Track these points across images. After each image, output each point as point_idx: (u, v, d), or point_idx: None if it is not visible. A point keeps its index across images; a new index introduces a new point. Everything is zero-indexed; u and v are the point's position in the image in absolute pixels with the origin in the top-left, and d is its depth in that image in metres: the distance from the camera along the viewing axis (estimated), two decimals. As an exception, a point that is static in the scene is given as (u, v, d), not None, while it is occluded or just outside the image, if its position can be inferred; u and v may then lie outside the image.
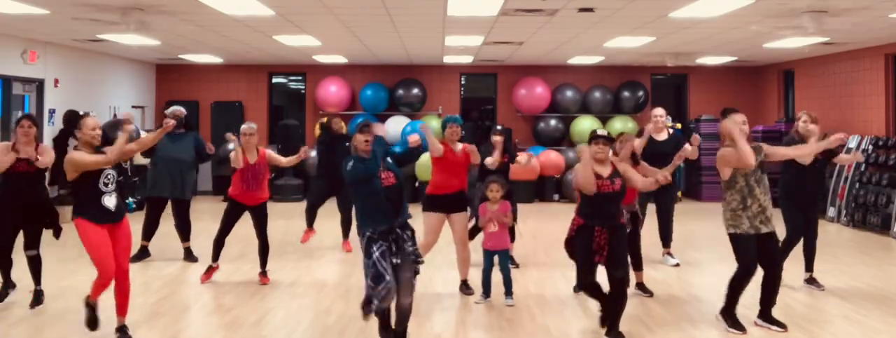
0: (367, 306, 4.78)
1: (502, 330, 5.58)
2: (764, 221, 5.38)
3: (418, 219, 5.89)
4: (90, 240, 5.00)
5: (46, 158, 6.07)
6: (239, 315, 5.98)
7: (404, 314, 4.93)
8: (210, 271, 7.20)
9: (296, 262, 8.19)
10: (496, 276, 6.40)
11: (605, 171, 5.23)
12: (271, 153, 7.24)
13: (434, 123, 14.94)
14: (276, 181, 14.22)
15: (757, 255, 5.42)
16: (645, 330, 5.56)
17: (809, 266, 6.95)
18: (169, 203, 8.21)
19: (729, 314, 5.50)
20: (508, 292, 6.37)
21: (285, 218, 11.67)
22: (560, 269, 7.62)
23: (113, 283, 5.09)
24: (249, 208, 7.04)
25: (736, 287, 5.46)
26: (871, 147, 11.28)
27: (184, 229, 8.21)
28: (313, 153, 10.70)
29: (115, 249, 5.08)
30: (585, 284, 5.27)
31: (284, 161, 7.33)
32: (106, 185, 5.04)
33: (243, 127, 7.07)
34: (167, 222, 8.37)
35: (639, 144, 7.61)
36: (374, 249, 4.74)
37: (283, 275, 7.48)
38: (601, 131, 5.33)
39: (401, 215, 4.88)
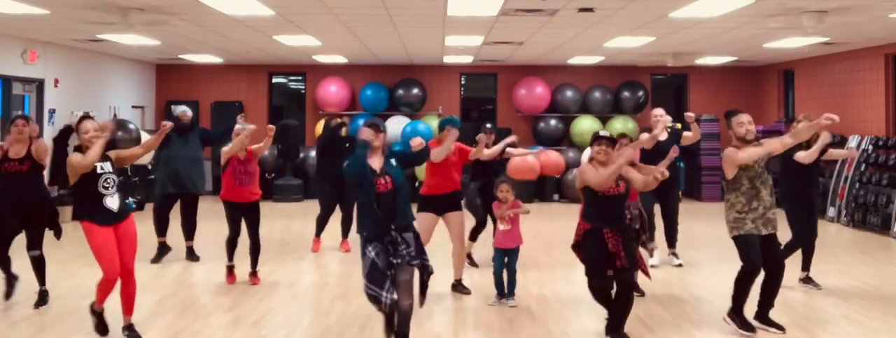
0: (376, 303, 4.75)
1: (502, 331, 5.58)
2: (765, 223, 5.35)
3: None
4: (95, 242, 5.02)
5: (42, 156, 6.06)
6: (239, 315, 5.98)
7: (405, 316, 4.90)
8: (231, 270, 7.19)
9: (296, 262, 8.20)
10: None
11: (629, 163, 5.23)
12: (254, 148, 7.18)
13: (435, 121, 14.96)
14: (276, 181, 14.23)
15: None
16: (645, 330, 5.56)
17: (806, 266, 6.95)
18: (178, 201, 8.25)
19: (737, 314, 5.44)
20: (511, 292, 6.35)
21: (285, 218, 11.68)
22: (560, 269, 7.62)
23: (118, 283, 5.11)
24: (243, 208, 7.03)
25: (742, 286, 5.39)
26: (871, 147, 11.28)
27: (189, 228, 8.23)
28: (311, 153, 10.54)
29: (120, 250, 5.08)
30: (595, 287, 5.17)
31: (255, 147, 7.18)
32: (106, 188, 5.07)
33: (237, 127, 7.12)
34: (170, 223, 8.36)
35: (647, 140, 7.58)
36: (370, 249, 4.76)
37: (283, 275, 7.49)
38: (603, 132, 5.33)
39: (396, 220, 4.82)
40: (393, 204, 4.82)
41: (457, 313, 6.11)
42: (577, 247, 5.31)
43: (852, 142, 11.68)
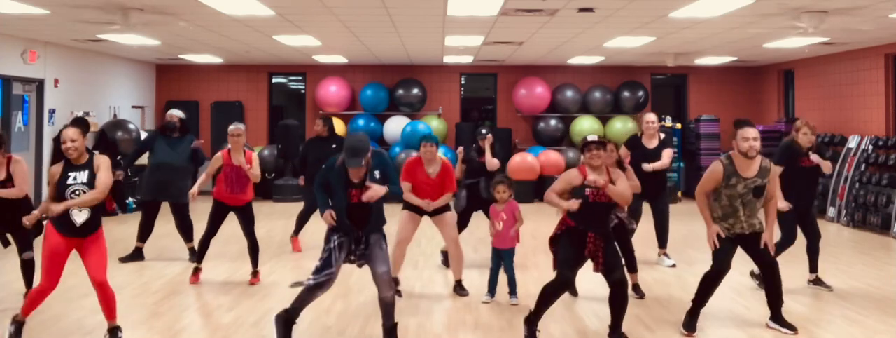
0: (299, 283, 5.01)
1: (502, 331, 5.58)
2: (742, 229, 5.37)
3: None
4: (47, 248, 4.94)
5: (18, 178, 5.78)
6: (239, 315, 5.98)
7: (388, 308, 5.03)
8: (196, 273, 7.19)
9: (295, 262, 8.19)
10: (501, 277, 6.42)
11: (600, 180, 5.11)
12: (256, 160, 7.04)
13: (435, 121, 14.96)
14: (275, 181, 14.22)
15: (750, 256, 5.49)
16: (645, 330, 5.56)
17: (813, 268, 6.96)
18: (165, 206, 8.20)
19: (691, 314, 5.50)
20: (512, 291, 6.39)
21: (285, 218, 11.67)
22: (560, 269, 7.61)
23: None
24: (234, 209, 7.03)
25: (703, 287, 5.45)
26: (871, 147, 11.28)
27: (185, 230, 8.19)
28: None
29: (87, 264, 4.99)
30: (562, 281, 5.12)
31: (254, 175, 7.00)
32: (72, 199, 4.91)
33: (231, 127, 7.03)
34: (169, 223, 8.36)
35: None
36: (334, 238, 4.99)
37: (282, 275, 7.48)
38: (592, 137, 5.25)
39: (364, 229, 5.02)
40: (362, 214, 5.00)
41: (457, 313, 6.11)
42: (554, 240, 5.29)
43: (852, 142, 11.69)
